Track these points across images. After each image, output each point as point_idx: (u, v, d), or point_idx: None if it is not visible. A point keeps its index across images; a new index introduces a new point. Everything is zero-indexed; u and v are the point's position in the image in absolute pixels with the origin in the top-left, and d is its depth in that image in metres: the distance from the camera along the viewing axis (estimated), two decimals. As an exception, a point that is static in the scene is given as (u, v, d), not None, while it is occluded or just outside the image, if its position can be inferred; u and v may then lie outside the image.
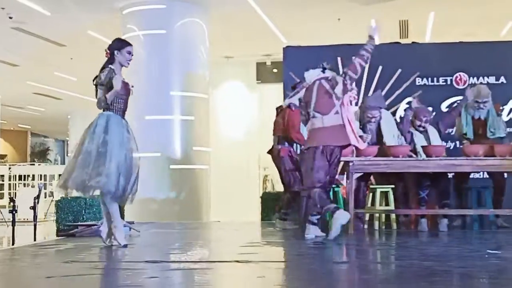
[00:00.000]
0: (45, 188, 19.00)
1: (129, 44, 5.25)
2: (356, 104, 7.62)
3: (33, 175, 21.18)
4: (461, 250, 4.79)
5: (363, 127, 6.69)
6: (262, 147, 13.08)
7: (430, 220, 6.82)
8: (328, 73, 5.88)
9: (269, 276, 3.59)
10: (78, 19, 10.64)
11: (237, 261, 4.11)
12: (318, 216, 5.71)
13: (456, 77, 7.88)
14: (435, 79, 7.92)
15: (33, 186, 19.52)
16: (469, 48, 8.06)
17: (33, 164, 24.12)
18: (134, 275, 3.57)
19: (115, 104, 5.17)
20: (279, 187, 10.05)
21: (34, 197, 6.92)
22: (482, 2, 10.18)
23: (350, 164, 6.22)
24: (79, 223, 6.69)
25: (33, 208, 6.72)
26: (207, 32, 9.86)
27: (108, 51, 5.19)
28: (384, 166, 6.32)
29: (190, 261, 4.17)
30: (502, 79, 7.82)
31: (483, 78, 7.83)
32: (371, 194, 6.85)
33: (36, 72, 14.80)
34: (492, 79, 7.84)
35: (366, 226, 6.70)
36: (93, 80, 5.22)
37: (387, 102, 7.63)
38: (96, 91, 5.21)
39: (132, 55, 5.21)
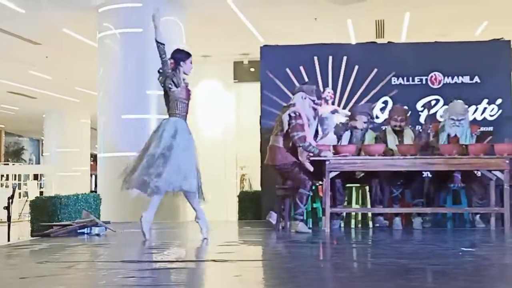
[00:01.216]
0: (19, 188, 18.80)
1: (191, 55, 5.79)
2: (333, 103, 7.66)
3: (7, 175, 20.92)
4: (435, 248, 4.84)
5: (351, 133, 6.75)
6: (240, 146, 13.13)
7: (405, 218, 6.89)
8: (295, 105, 6.23)
9: (246, 275, 3.59)
10: (53, 17, 10.52)
11: (214, 260, 4.10)
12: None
13: (431, 76, 7.95)
14: (410, 78, 7.98)
15: (7, 186, 19.28)
16: (444, 48, 8.14)
17: (7, 164, 23.81)
18: (109, 275, 3.54)
19: (180, 109, 5.60)
20: (256, 186, 10.07)
21: (8, 197, 6.85)
22: (456, 3, 10.29)
23: (327, 162, 6.25)
24: (54, 223, 6.62)
25: (7, 208, 6.64)
26: (184, 31, 9.82)
27: (174, 61, 5.62)
28: (360, 165, 6.36)
29: (167, 260, 4.16)
30: (476, 79, 7.91)
31: (458, 77, 7.91)
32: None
33: (10, 70, 14.60)
34: (466, 79, 7.93)
35: (342, 225, 6.72)
36: (162, 83, 5.65)
37: (362, 101, 7.69)
38: (167, 97, 5.62)
39: (191, 63, 5.74)
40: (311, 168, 6.29)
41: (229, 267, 3.83)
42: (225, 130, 13.60)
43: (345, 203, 6.86)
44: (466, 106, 6.80)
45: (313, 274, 3.54)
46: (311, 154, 6.21)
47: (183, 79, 5.68)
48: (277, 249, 5.03)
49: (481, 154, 6.19)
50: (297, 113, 6.17)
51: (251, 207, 8.31)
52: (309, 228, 6.40)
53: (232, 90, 14.19)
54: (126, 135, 9.28)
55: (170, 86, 5.57)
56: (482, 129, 7.52)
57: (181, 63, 5.65)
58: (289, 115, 6.19)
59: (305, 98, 6.30)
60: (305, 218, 6.46)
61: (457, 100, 6.89)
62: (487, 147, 6.31)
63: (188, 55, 5.76)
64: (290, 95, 7.82)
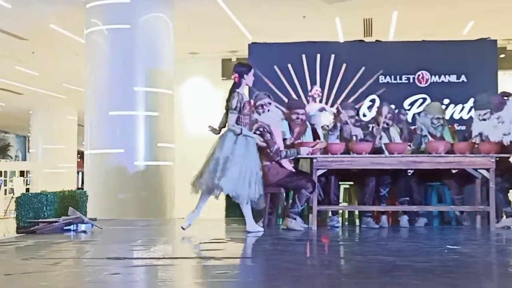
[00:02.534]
0: (5, 185, 18.67)
1: (252, 67, 6.14)
2: (321, 101, 7.66)
3: (-7, 172, 20.78)
4: (421, 246, 4.87)
5: (341, 130, 6.77)
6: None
7: (392, 217, 6.92)
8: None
9: (232, 272, 3.59)
10: (40, 12, 10.45)
11: (201, 258, 4.10)
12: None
13: (419, 75, 7.99)
14: (398, 77, 8.01)
15: (-7, 183, 19.13)
16: (431, 47, 8.18)
17: (-7, 160, 23.64)
18: (95, 272, 3.53)
19: (243, 121, 5.95)
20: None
21: (-6, 194, 6.78)
22: (444, 2, 10.35)
23: (314, 160, 6.27)
24: (40, 220, 6.57)
25: (-7, 204, 6.59)
26: (172, 27, 9.79)
27: (238, 75, 5.95)
28: (347, 163, 6.38)
29: (153, 257, 4.14)
30: (463, 78, 7.95)
31: (445, 76, 7.95)
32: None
33: (-3, 66, 14.50)
34: (453, 78, 7.97)
35: (333, 223, 6.69)
36: (227, 106, 5.98)
37: (350, 100, 7.71)
38: (227, 114, 5.96)
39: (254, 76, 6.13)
40: (290, 167, 6.30)
41: (216, 264, 3.83)
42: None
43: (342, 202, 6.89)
44: (450, 109, 6.91)
45: (300, 271, 3.54)
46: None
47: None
48: (264, 246, 5.03)
49: (466, 152, 6.23)
50: (261, 129, 6.21)
51: (238, 205, 8.28)
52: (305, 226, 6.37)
53: (220, 87, 14.14)
54: (113, 132, 9.25)
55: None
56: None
57: (245, 76, 5.97)
58: (259, 131, 6.23)
59: (268, 111, 6.34)
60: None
61: (435, 102, 7.07)
62: (472, 145, 6.34)
63: (250, 67, 6.07)
64: (278, 92, 7.84)
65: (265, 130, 6.23)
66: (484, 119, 6.48)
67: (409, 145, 6.68)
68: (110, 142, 9.26)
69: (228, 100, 5.94)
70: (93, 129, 9.49)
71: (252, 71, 6.05)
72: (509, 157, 6.35)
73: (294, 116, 6.69)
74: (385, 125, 6.79)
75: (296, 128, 6.71)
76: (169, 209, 9.42)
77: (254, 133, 6.14)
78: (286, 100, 7.62)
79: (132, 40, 9.38)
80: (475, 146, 6.36)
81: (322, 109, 7.37)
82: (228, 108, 5.93)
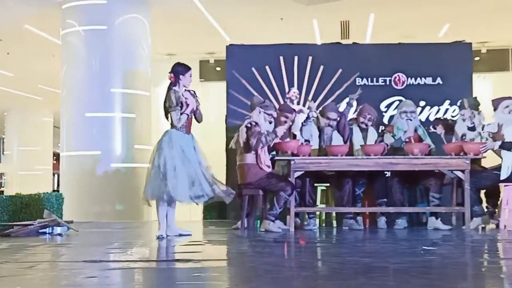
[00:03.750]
0: (-21, 187, 18.41)
1: (190, 68, 5.94)
2: (298, 103, 7.69)
3: (-33, 174, 20.49)
4: (398, 247, 4.91)
5: (320, 132, 6.79)
6: (205, 146, 13.06)
7: (369, 218, 6.96)
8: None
9: (209, 274, 3.58)
10: (16, 13, 10.33)
11: (178, 260, 4.08)
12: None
13: (395, 77, 8.05)
14: (374, 79, 8.07)
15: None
16: (407, 49, 8.25)
17: (-33, 162, 23.29)
18: (71, 275, 3.49)
19: (183, 119, 5.77)
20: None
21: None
22: (420, 5, 10.45)
23: (292, 162, 6.29)
24: (15, 223, 6.49)
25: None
26: (149, 28, 9.75)
27: (173, 75, 5.78)
28: (324, 165, 6.41)
29: (130, 260, 4.12)
30: (439, 80, 8.03)
31: (421, 78, 8.03)
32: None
33: (-30, 66, 14.30)
34: (429, 80, 8.04)
35: (310, 226, 6.70)
36: (164, 107, 5.84)
37: (327, 102, 7.74)
38: (167, 113, 5.82)
39: (191, 76, 5.92)
40: (269, 167, 6.33)
41: (193, 267, 3.82)
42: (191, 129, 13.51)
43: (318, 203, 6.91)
44: (425, 111, 7.02)
45: (277, 273, 3.55)
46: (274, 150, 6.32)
47: (191, 91, 5.87)
48: (242, 248, 5.03)
49: (453, 153, 6.30)
50: (253, 123, 6.26)
51: (216, 207, 8.29)
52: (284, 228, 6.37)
53: (197, 89, 14.05)
54: (89, 134, 9.18)
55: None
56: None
57: (181, 76, 5.79)
58: (246, 126, 6.29)
59: (259, 113, 6.36)
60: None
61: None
62: (460, 146, 6.40)
63: (187, 68, 5.89)
64: (256, 94, 7.84)
65: (254, 124, 6.24)
66: (469, 127, 6.57)
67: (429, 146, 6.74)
68: (87, 144, 9.19)
69: (165, 101, 5.78)
70: (69, 130, 9.41)
71: (190, 72, 5.86)
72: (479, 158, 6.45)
73: (283, 119, 6.72)
74: (363, 126, 6.85)
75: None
76: (146, 212, 9.36)
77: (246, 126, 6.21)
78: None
79: (109, 41, 9.32)
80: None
81: (300, 111, 7.39)
82: (167, 109, 5.77)
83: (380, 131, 7.26)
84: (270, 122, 6.47)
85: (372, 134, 6.90)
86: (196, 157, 5.75)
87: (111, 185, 9.15)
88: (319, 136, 6.83)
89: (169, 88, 5.80)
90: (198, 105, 5.89)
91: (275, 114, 6.52)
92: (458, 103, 7.11)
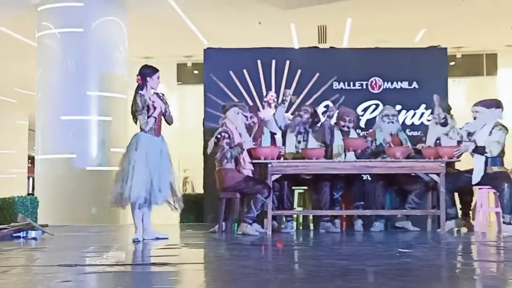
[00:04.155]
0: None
1: (158, 70, 5.86)
2: (276, 107, 7.69)
3: None
4: (374, 249, 4.94)
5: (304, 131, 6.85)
6: (183, 149, 13.04)
7: (346, 221, 7.00)
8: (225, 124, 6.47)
9: (186, 278, 3.56)
10: (-10, 14, 10.21)
11: (154, 264, 4.06)
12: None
13: (372, 81, 8.11)
14: (351, 83, 8.11)
15: None
16: (384, 54, 8.32)
17: None
18: (45, 280, 3.45)
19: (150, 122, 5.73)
20: (199, 189, 10.03)
21: None
22: (396, 10, 10.56)
23: (269, 165, 6.30)
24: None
25: None
26: (126, 31, 9.70)
27: (140, 78, 5.71)
28: (301, 168, 6.43)
29: (106, 264, 4.08)
30: (415, 84, 8.11)
31: (397, 83, 8.09)
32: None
33: None
34: (405, 84, 8.11)
35: (287, 229, 6.70)
36: (132, 111, 5.78)
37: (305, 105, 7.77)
38: (135, 118, 5.73)
39: (159, 78, 5.84)
40: (249, 172, 6.34)
41: (170, 270, 3.80)
42: (168, 132, 13.45)
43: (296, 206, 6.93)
44: (402, 115, 7.31)
45: (254, 276, 3.54)
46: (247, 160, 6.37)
47: (158, 94, 5.85)
48: (219, 251, 5.02)
49: (431, 157, 6.36)
50: (224, 134, 6.27)
51: (193, 210, 8.26)
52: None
53: (175, 92, 14.09)
54: (65, 137, 9.10)
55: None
56: (419, 133, 7.73)
57: (148, 78, 5.73)
58: (216, 137, 6.31)
59: (237, 113, 6.37)
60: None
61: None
62: (437, 150, 6.46)
63: (155, 70, 5.82)
64: (234, 98, 7.84)
65: (224, 136, 6.25)
66: (441, 123, 6.64)
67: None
68: (62, 147, 9.10)
69: (132, 105, 5.75)
70: (45, 133, 9.32)
71: (157, 74, 5.80)
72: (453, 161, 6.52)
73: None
74: (345, 129, 6.90)
75: (251, 132, 6.76)
76: (122, 215, 9.30)
77: (216, 137, 6.18)
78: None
79: (85, 44, 9.26)
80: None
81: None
82: (134, 113, 5.73)
83: (362, 135, 7.33)
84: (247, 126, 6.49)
85: (354, 136, 6.97)
86: (160, 161, 5.70)
87: (86, 188, 9.07)
88: (296, 136, 6.85)
89: (136, 92, 5.77)
90: (167, 107, 5.85)
91: (249, 116, 6.53)
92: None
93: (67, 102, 9.13)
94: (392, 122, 6.90)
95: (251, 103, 7.83)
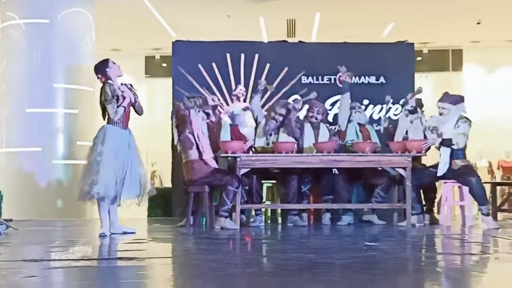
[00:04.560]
0: None
1: (108, 59, 5.80)
2: (245, 100, 7.70)
3: None
4: (342, 243, 4.98)
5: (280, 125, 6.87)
6: (151, 142, 12.96)
7: (314, 215, 7.05)
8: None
9: (153, 272, 3.54)
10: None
11: (121, 258, 4.02)
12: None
13: (340, 76, 8.15)
14: (319, 77, 8.16)
15: None
16: (352, 49, 8.38)
17: None
18: (9, 275, 3.39)
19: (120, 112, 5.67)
20: (167, 183, 9.98)
21: None
22: (365, 5, 10.63)
23: (238, 159, 6.29)
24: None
25: None
26: (93, 23, 9.56)
27: (101, 76, 5.67)
28: (271, 162, 6.44)
29: (72, 259, 4.03)
30: (382, 79, 8.20)
31: (365, 77, 8.16)
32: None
33: None
34: (372, 79, 8.19)
35: (256, 223, 6.72)
36: (100, 103, 5.69)
37: (273, 100, 7.78)
38: (104, 110, 5.67)
39: (114, 63, 5.75)
40: (214, 163, 6.32)
41: (137, 265, 3.77)
42: (136, 125, 13.33)
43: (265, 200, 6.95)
44: (369, 110, 7.44)
45: (222, 270, 3.54)
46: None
47: (127, 84, 5.78)
48: (187, 246, 5.00)
49: (399, 152, 6.43)
50: (185, 136, 6.29)
51: (161, 204, 8.23)
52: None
53: (143, 85, 13.96)
54: (30, 130, 8.96)
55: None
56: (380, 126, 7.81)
57: (107, 70, 5.66)
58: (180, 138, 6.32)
59: (198, 112, 6.35)
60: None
61: None
62: (404, 145, 6.54)
63: (105, 60, 5.77)
64: (202, 91, 7.81)
65: (185, 137, 6.23)
66: (409, 110, 6.73)
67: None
68: (27, 140, 8.96)
69: (101, 95, 5.67)
70: (9, 126, 9.15)
71: (111, 60, 5.73)
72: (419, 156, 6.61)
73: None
74: (314, 120, 6.92)
75: (213, 131, 6.74)
76: (89, 209, 9.19)
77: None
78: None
79: (51, 35, 9.11)
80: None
81: (246, 109, 7.41)
82: (103, 104, 5.66)
83: (333, 128, 7.40)
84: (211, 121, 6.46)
85: (324, 132, 6.97)
86: (128, 154, 5.65)
87: (52, 182, 8.95)
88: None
89: (104, 83, 5.71)
90: (136, 98, 5.80)
91: (211, 117, 6.48)
92: (401, 102, 7.28)
93: (33, 94, 8.98)
94: (359, 112, 6.98)
95: (220, 97, 7.81)
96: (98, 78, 5.71)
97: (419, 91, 6.86)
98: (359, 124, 6.98)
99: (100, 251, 4.75)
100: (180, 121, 6.30)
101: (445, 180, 6.58)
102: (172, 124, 6.52)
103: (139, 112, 5.86)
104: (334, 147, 6.55)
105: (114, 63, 5.73)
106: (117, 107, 5.62)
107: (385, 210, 6.88)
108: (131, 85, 5.89)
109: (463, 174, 6.40)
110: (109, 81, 5.66)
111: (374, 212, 6.81)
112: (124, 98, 5.66)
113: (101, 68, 5.70)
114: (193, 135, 6.23)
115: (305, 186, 6.77)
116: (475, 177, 6.41)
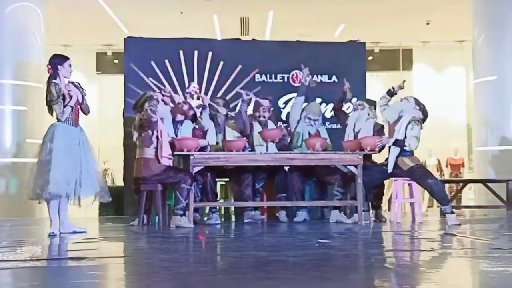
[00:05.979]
0: None
1: (68, 58, 5.73)
2: (198, 98, 7.66)
3: None
4: (294, 240, 5.03)
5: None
6: (102, 140, 12.77)
7: (267, 212, 7.08)
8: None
9: (105, 272, 3.50)
10: None
11: (71, 258, 3.96)
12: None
13: (293, 74, 8.21)
14: (273, 76, 8.19)
15: None
16: (305, 47, 8.42)
17: None
18: (-46, 277, 3.29)
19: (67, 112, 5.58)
20: (119, 182, 9.85)
21: None
22: (317, 4, 10.73)
23: (191, 157, 6.26)
24: None
25: None
26: (42, 18, 9.35)
27: (51, 67, 5.57)
28: (224, 160, 6.44)
29: (20, 259, 3.94)
30: (334, 78, 8.27)
31: (317, 76, 8.22)
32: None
33: None
34: (325, 78, 8.27)
35: (212, 220, 6.69)
36: (47, 102, 5.58)
37: (227, 98, 7.77)
38: (51, 109, 5.56)
39: (70, 65, 5.69)
40: (169, 162, 6.28)
41: (87, 265, 3.71)
42: (87, 123, 13.12)
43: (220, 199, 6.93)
44: (321, 108, 7.44)
45: (175, 269, 3.52)
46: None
47: (74, 83, 5.70)
48: (139, 245, 4.95)
49: (356, 149, 6.50)
50: (146, 134, 6.24)
51: (113, 203, 8.09)
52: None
53: (94, 81, 13.76)
54: (-23, 127, 8.70)
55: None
56: (333, 126, 7.91)
57: (59, 67, 5.59)
58: (141, 118, 6.28)
59: (158, 104, 6.33)
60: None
61: (316, 101, 7.45)
62: (359, 143, 6.61)
63: (65, 58, 5.70)
64: (155, 88, 7.74)
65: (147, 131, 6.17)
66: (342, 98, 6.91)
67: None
68: (-27, 138, 8.69)
69: (47, 95, 5.57)
70: (-45, 123, 8.86)
71: (69, 62, 5.66)
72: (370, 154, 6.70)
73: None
74: (262, 119, 6.95)
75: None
76: (38, 208, 8.99)
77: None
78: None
79: (-1, 29, 8.86)
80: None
81: (199, 106, 7.37)
82: (49, 103, 5.56)
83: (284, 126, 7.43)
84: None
85: (272, 128, 7.02)
86: (80, 152, 5.57)
87: (0, 181, 8.71)
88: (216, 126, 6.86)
89: (49, 82, 5.59)
90: (84, 96, 5.72)
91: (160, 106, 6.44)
92: (354, 101, 7.36)
93: (-21, 90, 8.72)
94: (311, 126, 6.99)
95: (173, 94, 7.74)
96: (47, 66, 5.63)
97: (401, 87, 6.98)
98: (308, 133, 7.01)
99: (49, 251, 4.65)
100: (147, 121, 6.22)
101: (395, 177, 6.70)
102: (134, 123, 6.42)
103: (85, 111, 5.77)
104: (279, 135, 6.61)
105: (70, 66, 5.68)
106: (64, 106, 5.51)
107: (350, 208, 6.90)
108: (79, 83, 5.78)
109: (420, 177, 6.46)
110: (54, 80, 5.56)
111: (340, 211, 6.77)
112: (71, 97, 5.56)
113: (56, 62, 5.61)
114: (155, 136, 6.18)
115: (259, 183, 6.80)
116: (433, 179, 6.49)
